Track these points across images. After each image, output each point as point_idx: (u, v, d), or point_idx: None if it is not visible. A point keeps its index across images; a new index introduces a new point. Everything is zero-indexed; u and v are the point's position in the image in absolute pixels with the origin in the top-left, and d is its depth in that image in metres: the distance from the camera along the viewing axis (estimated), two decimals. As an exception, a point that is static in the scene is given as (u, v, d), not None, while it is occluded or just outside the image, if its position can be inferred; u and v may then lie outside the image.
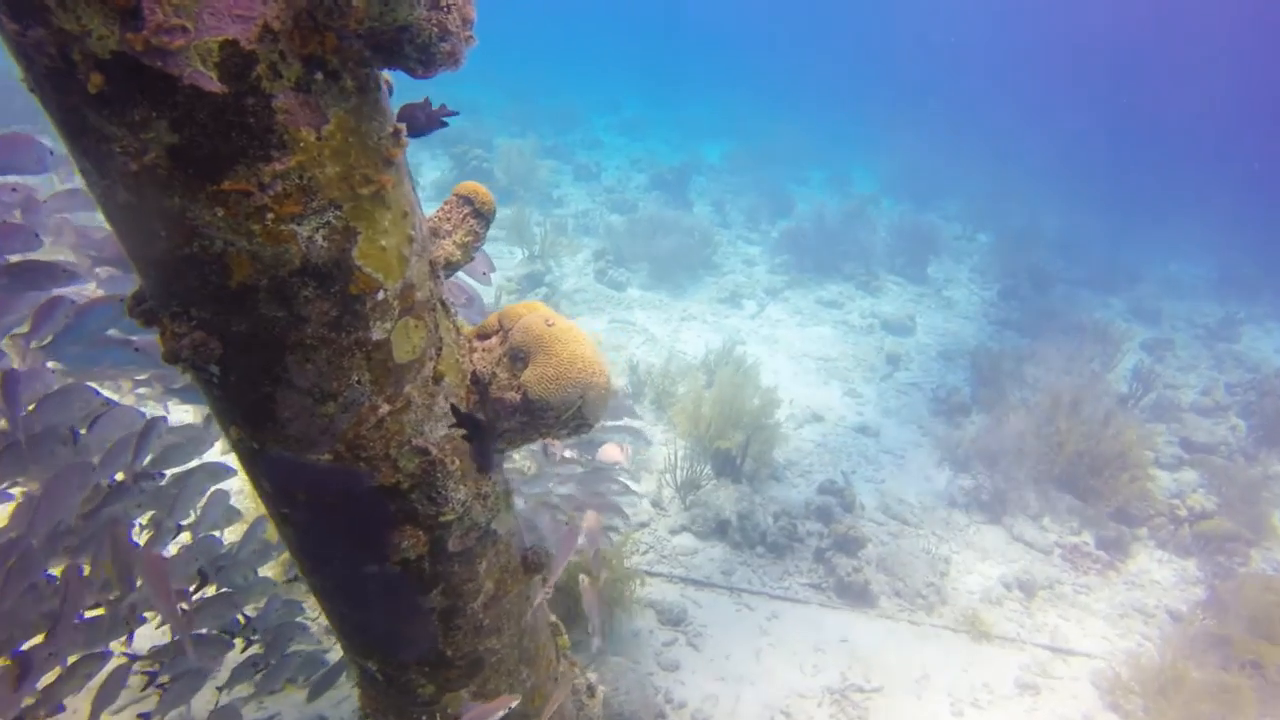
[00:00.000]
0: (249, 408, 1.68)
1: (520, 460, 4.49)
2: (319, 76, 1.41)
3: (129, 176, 1.32)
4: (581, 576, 3.66)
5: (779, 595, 5.64)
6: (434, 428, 1.88)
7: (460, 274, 3.64)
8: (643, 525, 6.13)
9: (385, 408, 1.76)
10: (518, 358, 2.01)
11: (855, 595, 5.74)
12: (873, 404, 9.07)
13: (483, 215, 2.24)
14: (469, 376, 2.03)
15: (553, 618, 2.91)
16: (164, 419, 2.89)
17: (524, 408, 1.97)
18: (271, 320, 1.54)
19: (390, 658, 2.20)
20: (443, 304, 1.89)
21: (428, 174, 14.20)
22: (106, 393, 2.98)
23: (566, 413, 1.99)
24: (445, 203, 2.22)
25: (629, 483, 5.03)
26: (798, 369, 9.62)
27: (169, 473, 3.02)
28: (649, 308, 10.71)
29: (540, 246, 10.54)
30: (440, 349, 1.88)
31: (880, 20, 49.45)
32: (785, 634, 5.38)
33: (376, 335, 1.67)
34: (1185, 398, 10.14)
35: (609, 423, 5.04)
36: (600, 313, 10.26)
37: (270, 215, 1.43)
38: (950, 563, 6.47)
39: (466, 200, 2.20)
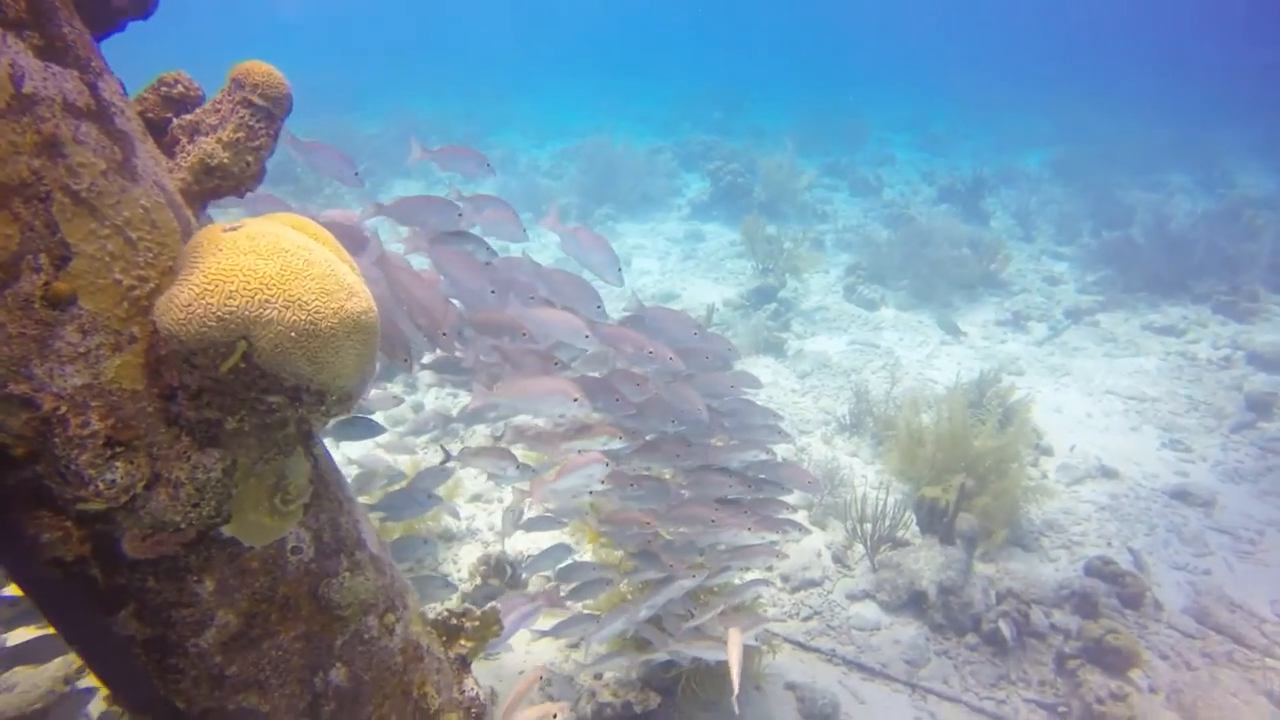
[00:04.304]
0: None
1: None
2: None
3: None
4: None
5: (984, 710, 4.02)
6: (56, 371, 1.31)
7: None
8: (813, 584, 4.89)
9: (-65, 330, 1.23)
10: (185, 277, 1.36)
11: (1113, 735, 3.86)
12: (1210, 461, 6.46)
13: (258, 106, 1.64)
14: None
15: (469, 689, 2.12)
16: None
17: (179, 351, 1.30)
18: None
19: (117, 699, 1.66)
20: (73, 195, 1.32)
21: (687, 193, 14.10)
22: None
23: (224, 362, 1.28)
24: (219, 91, 1.68)
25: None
26: (1093, 408, 7.28)
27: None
28: (902, 329, 9.10)
29: (778, 260, 9.61)
30: (66, 259, 1.31)
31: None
32: (985, 768, 3.78)
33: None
34: None
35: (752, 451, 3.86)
36: (841, 333, 8.96)
37: None
38: (1317, 718, 4.10)
39: (237, 84, 1.62)
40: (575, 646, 4.22)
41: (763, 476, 3.42)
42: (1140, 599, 4.78)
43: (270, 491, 1.60)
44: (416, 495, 3.38)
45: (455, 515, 4.71)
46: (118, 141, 1.42)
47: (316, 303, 1.33)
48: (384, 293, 2.60)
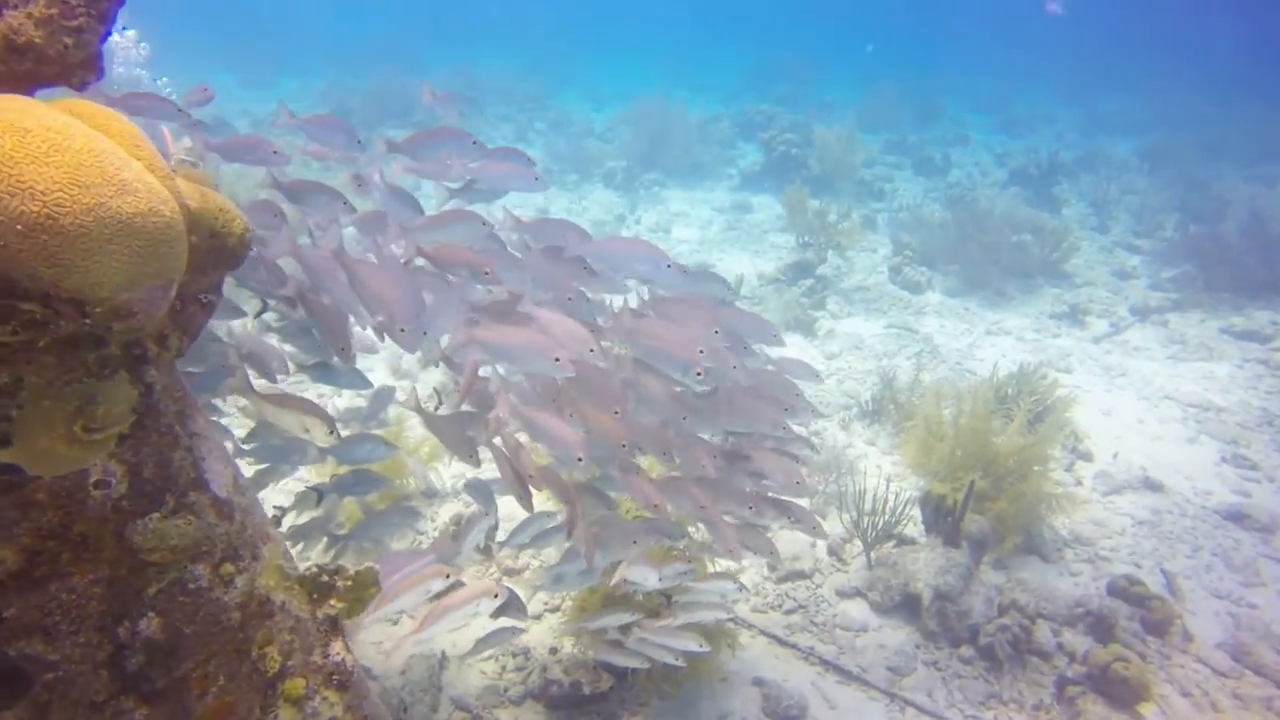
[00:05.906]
0: None
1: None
2: None
3: None
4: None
5: (969, 728, 3.68)
6: None
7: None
8: (802, 576, 4.60)
9: None
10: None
11: (1110, 772, 3.49)
12: (1279, 483, 5.84)
13: (75, -26, 1.43)
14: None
15: (335, 653, 1.94)
16: None
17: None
18: None
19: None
20: None
21: (740, 163, 13.60)
22: None
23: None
24: (35, -42, 1.48)
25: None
26: (1147, 414, 6.67)
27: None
28: (947, 315, 8.55)
29: (820, 235, 9.13)
30: None
31: None
32: (960, 791, 3.46)
33: None
34: None
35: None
36: (879, 315, 8.48)
37: None
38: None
39: (50, -51, 1.42)
40: (538, 618, 4.05)
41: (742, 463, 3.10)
42: (1166, 626, 4.32)
43: (70, 417, 1.42)
44: (370, 440, 3.26)
45: (422, 475, 4.61)
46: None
47: (60, 194, 1.13)
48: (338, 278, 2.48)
